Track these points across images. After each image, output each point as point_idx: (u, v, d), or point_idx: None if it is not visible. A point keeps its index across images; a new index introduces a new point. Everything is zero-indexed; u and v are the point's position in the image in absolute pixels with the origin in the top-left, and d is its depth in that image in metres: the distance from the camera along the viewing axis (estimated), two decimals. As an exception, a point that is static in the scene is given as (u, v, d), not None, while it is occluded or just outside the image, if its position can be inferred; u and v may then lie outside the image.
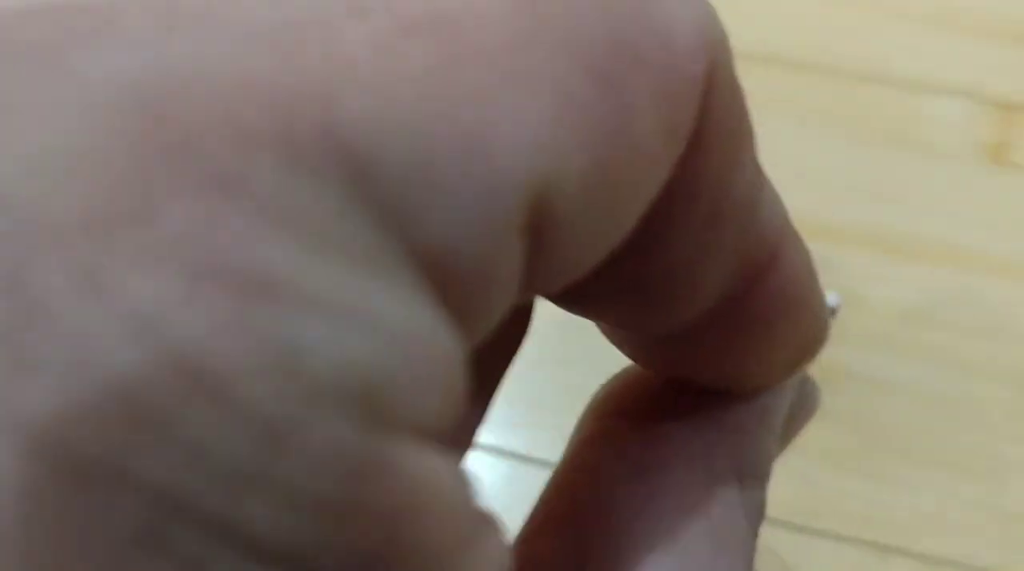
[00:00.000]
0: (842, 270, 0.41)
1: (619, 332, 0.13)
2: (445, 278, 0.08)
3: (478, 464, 0.39)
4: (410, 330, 0.07)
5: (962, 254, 0.41)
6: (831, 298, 0.15)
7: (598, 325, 0.14)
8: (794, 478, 0.37)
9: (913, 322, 0.40)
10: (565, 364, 0.39)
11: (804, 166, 0.44)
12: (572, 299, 0.11)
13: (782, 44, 0.47)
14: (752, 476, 0.13)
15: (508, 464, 0.38)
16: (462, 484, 0.08)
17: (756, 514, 0.13)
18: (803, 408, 0.16)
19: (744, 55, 0.48)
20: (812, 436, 0.38)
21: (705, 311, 0.11)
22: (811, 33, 0.47)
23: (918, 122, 0.44)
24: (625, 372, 0.15)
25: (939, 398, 0.38)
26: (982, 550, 0.36)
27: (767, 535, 0.37)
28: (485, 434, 0.30)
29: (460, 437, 0.13)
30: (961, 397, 0.38)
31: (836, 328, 0.41)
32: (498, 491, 0.38)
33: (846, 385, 0.39)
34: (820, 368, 0.41)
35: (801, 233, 0.45)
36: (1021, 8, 0.47)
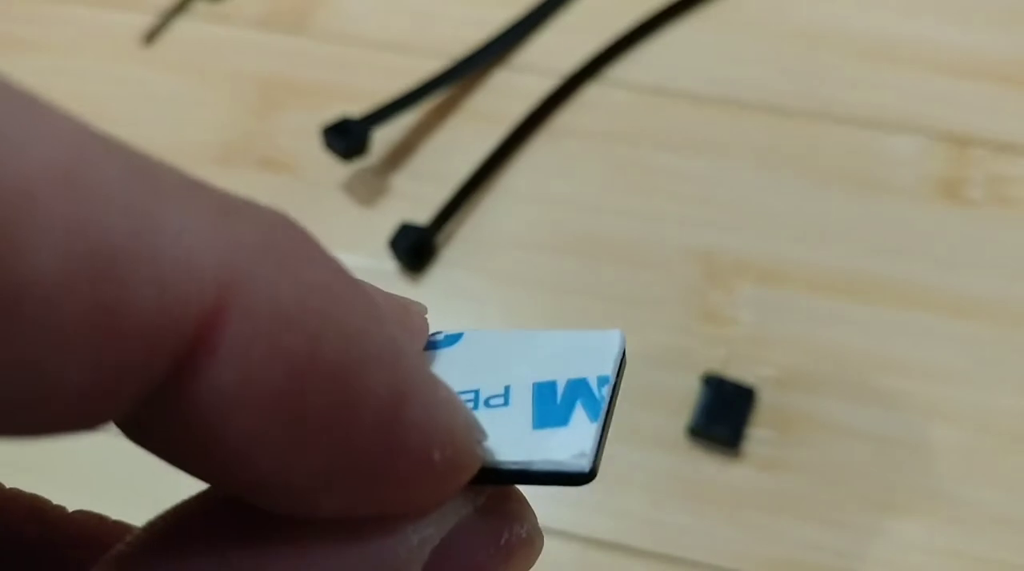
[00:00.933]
0: (796, 312, 0.41)
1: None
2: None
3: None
4: None
5: (917, 293, 0.41)
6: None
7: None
8: (750, 527, 0.36)
9: (867, 364, 0.39)
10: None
11: (756, 205, 0.43)
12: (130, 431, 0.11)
13: (733, 85, 0.46)
14: None
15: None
16: None
17: None
18: (506, 555, 0.14)
19: (696, 96, 0.49)
20: (770, 485, 0.37)
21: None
22: (762, 73, 0.47)
23: (870, 158, 0.44)
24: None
25: (897, 442, 0.38)
26: (946, 599, 0.35)
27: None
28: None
29: None
30: (919, 441, 0.38)
31: (793, 373, 0.40)
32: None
33: (801, 431, 0.38)
34: (779, 415, 0.40)
35: (754, 273, 0.44)
36: (971, 43, 0.47)
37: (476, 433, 0.13)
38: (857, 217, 0.43)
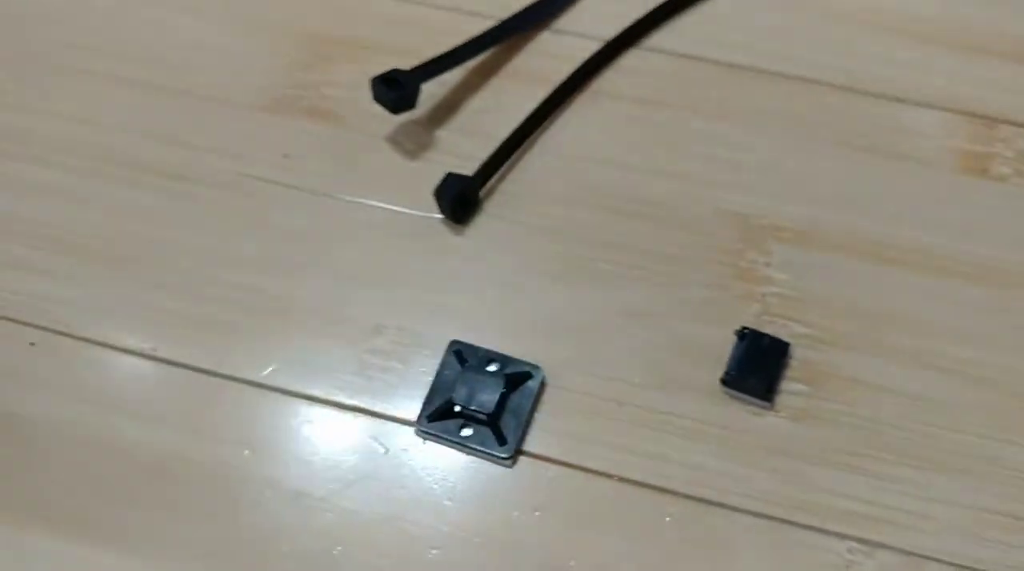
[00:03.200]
0: (828, 274, 0.42)
1: None
2: None
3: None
4: None
5: (946, 261, 0.42)
6: None
7: None
8: (781, 473, 0.38)
9: (897, 325, 0.41)
10: (560, 357, 0.39)
11: (790, 171, 0.45)
12: None
13: (769, 56, 0.48)
14: None
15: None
16: None
17: None
18: None
19: (733, 65, 0.50)
20: (802, 435, 0.39)
21: None
22: (794, 45, 0.48)
23: (899, 132, 0.46)
24: None
25: (925, 400, 0.39)
26: (967, 547, 0.37)
27: (750, 525, 0.37)
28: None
29: None
30: (946, 399, 0.39)
31: (825, 331, 0.42)
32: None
33: (833, 387, 0.40)
34: (811, 370, 0.42)
35: (788, 236, 0.46)
36: (1002, 24, 0.48)
37: None
38: (888, 186, 0.44)
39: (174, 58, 0.49)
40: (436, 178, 0.44)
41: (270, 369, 0.41)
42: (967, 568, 0.36)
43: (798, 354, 0.40)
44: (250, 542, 0.37)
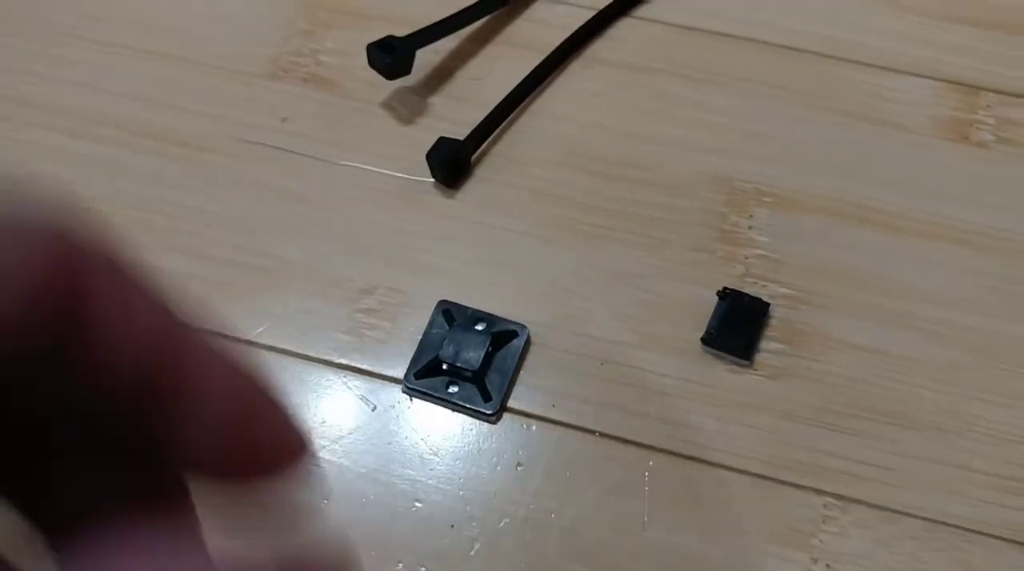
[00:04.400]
0: (810, 237, 0.43)
1: None
2: None
3: (456, 410, 0.40)
4: None
5: (926, 225, 0.43)
6: None
7: None
8: (759, 430, 0.39)
9: (876, 287, 0.42)
10: (543, 316, 0.40)
11: (775, 137, 0.45)
12: None
13: (757, 26, 0.48)
14: None
15: (485, 411, 0.39)
16: None
17: None
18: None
19: (723, 34, 0.51)
20: (780, 392, 0.40)
21: None
22: (780, 15, 0.49)
23: (883, 99, 0.46)
24: None
25: (903, 359, 0.40)
26: (941, 503, 0.37)
27: (728, 480, 0.38)
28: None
29: None
30: (924, 359, 0.40)
31: (805, 293, 0.43)
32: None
33: (811, 346, 0.40)
34: (791, 330, 0.43)
35: (771, 199, 0.46)
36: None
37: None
38: (870, 152, 0.45)
39: (176, 25, 0.50)
40: (429, 142, 0.45)
41: (261, 328, 0.42)
42: (940, 523, 0.37)
43: (778, 314, 0.41)
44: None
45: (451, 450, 0.39)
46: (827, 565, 0.37)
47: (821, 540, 0.37)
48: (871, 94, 0.46)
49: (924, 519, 0.37)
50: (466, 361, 0.40)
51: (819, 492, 0.38)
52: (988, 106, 0.45)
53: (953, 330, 0.41)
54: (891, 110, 0.46)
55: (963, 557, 0.37)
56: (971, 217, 0.43)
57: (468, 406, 0.40)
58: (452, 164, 0.45)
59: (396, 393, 0.41)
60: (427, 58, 0.48)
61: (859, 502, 0.38)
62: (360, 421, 0.40)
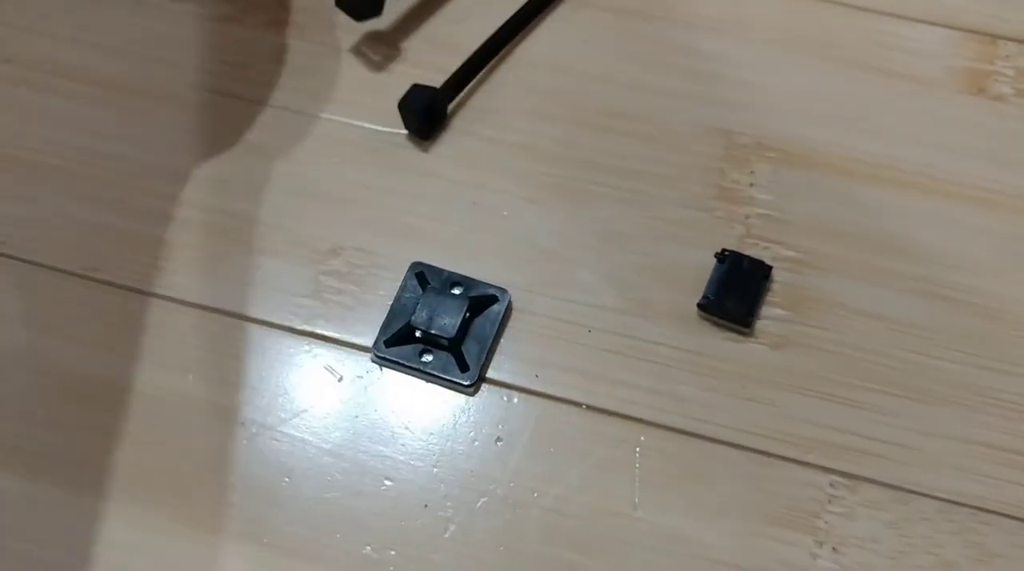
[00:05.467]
0: (816, 195, 0.40)
1: None
2: None
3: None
4: None
5: (939, 183, 0.40)
6: None
7: None
8: (760, 403, 0.36)
9: (886, 249, 0.38)
10: (526, 278, 0.36)
11: (778, 87, 0.42)
12: None
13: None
14: None
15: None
16: None
17: None
18: None
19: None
20: (783, 363, 0.36)
21: None
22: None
23: (895, 49, 0.43)
24: None
25: (911, 326, 0.37)
26: (955, 481, 0.34)
27: (727, 457, 0.35)
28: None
29: None
30: (934, 326, 0.37)
31: (810, 254, 0.39)
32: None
33: (816, 312, 0.37)
34: (794, 295, 0.40)
35: (774, 154, 0.42)
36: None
37: None
38: (880, 105, 0.42)
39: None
40: (402, 91, 0.41)
41: (220, 291, 0.38)
42: (955, 503, 0.34)
43: (780, 278, 0.38)
44: (195, 472, 0.35)
45: (424, 424, 0.36)
46: (833, 548, 0.34)
47: (827, 522, 0.34)
48: (883, 44, 0.43)
49: (937, 499, 0.34)
50: (441, 328, 0.37)
51: (825, 470, 0.35)
52: (1007, 56, 0.42)
53: (969, 295, 0.38)
54: (904, 61, 0.42)
55: (979, 539, 0.34)
56: (989, 175, 0.40)
57: (443, 376, 0.36)
58: (427, 114, 0.41)
59: (364, 362, 0.37)
60: None
61: (868, 480, 0.35)
62: (325, 393, 0.37)
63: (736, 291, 0.37)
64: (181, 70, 0.43)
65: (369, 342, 0.37)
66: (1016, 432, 0.35)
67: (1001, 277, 0.38)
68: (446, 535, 0.34)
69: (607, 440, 0.35)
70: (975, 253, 0.38)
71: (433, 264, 0.38)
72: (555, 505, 0.35)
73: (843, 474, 0.35)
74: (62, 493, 0.35)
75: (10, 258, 0.39)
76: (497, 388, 0.37)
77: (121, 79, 0.43)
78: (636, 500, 0.34)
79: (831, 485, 0.35)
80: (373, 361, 0.37)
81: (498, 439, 0.36)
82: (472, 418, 0.36)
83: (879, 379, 0.36)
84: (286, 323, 0.38)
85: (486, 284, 0.38)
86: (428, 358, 0.37)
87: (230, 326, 0.38)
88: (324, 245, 0.39)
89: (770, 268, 0.37)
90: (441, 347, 0.37)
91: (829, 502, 0.34)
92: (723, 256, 0.37)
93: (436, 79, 0.42)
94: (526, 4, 0.43)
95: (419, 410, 0.36)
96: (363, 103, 0.42)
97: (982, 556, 0.33)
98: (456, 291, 0.38)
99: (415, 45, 0.44)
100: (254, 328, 0.38)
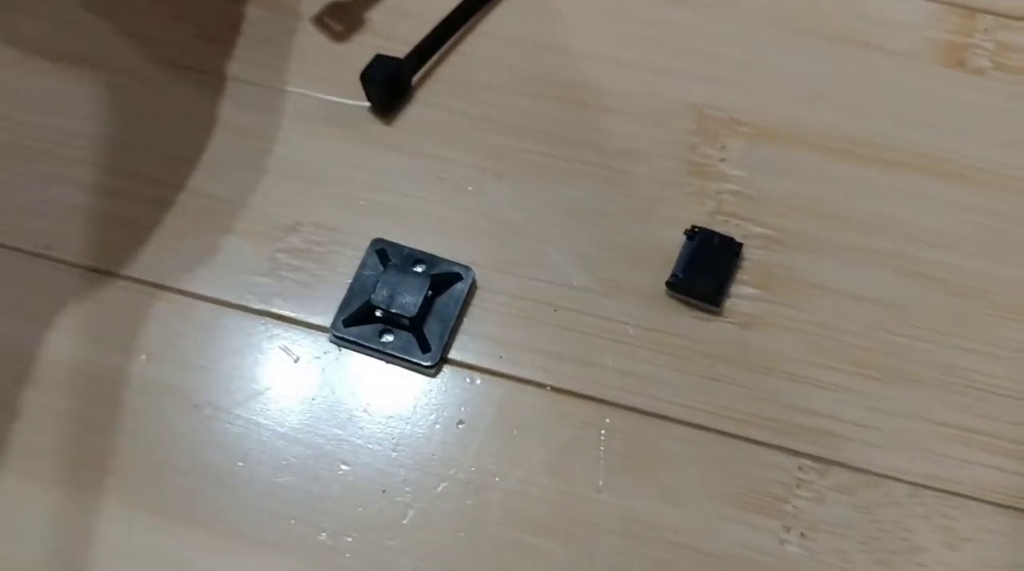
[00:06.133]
0: (788, 171, 0.38)
1: None
2: None
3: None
4: None
5: (915, 157, 0.39)
6: None
7: None
8: (729, 384, 0.35)
9: (859, 226, 0.37)
10: (489, 256, 0.35)
11: (752, 61, 0.41)
12: None
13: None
14: None
15: (422, 363, 0.34)
16: None
17: None
18: None
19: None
20: (752, 343, 0.35)
21: None
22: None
23: (872, 21, 0.42)
24: None
25: (885, 305, 0.36)
26: (924, 464, 0.34)
27: (694, 439, 0.34)
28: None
29: None
30: (907, 304, 0.36)
31: (781, 232, 0.38)
32: (410, 391, 0.35)
33: (786, 291, 0.36)
34: (765, 273, 0.38)
35: (747, 130, 0.41)
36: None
37: None
38: (856, 79, 0.40)
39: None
40: (364, 62, 0.40)
41: (174, 269, 0.37)
42: (925, 487, 0.33)
43: (751, 255, 0.37)
44: (146, 455, 0.34)
45: (384, 407, 0.35)
46: (801, 534, 0.33)
47: (795, 506, 0.33)
48: (860, 15, 0.42)
49: (908, 483, 0.33)
50: (402, 306, 0.35)
51: (793, 453, 0.34)
52: (986, 30, 0.41)
53: (943, 272, 0.37)
54: (882, 34, 0.41)
55: (949, 524, 0.33)
56: (965, 150, 0.39)
57: (404, 357, 0.35)
58: (390, 86, 0.40)
59: (322, 343, 0.36)
60: (364, -32, 0.43)
61: (838, 464, 0.34)
62: (280, 374, 0.36)
63: (706, 269, 0.36)
64: (139, 43, 0.42)
65: (327, 322, 0.36)
66: (988, 414, 0.34)
67: (978, 254, 0.37)
68: (405, 521, 0.33)
69: (572, 422, 0.34)
70: (951, 230, 0.37)
71: (395, 241, 0.37)
72: (518, 488, 0.34)
73: (812, 457, 0.34)
74: (11, 478, 0.34)
75: (-44, 234, 0.38)
76: (460, 369, 0.36)
77: (75, 53, 0.42)
78: (601, 483, 0.34)
79: (800, 468, 0.34)
80: (331, 341, 0.36)
81: (460, 422, 0.35)
82: (433, 400, 0.35)
83: (851, 360, 0.35)
84: (242, 302, 0.37)
85: (449, 261, 0.37)
86: (388, 338, 0.36)
87: (185, 305, 0.37)
88: (283, 221, 0.38)
89: (740, 245, 0.36)
90: (402, 327, 0.36)
91: (798, 486, 0.34)
92: (693, 233, 0.36)
93: (400, 50, 0.40)
94: (493, -27, 0.42)
95: (378, 392, 0.35)
96: (324, 75, 0.41)
97: (952, 540, 0.33)
98: (418, 269, 0.37)
99: (378, 15, 0.42)
100: (209, 308, 0.37)
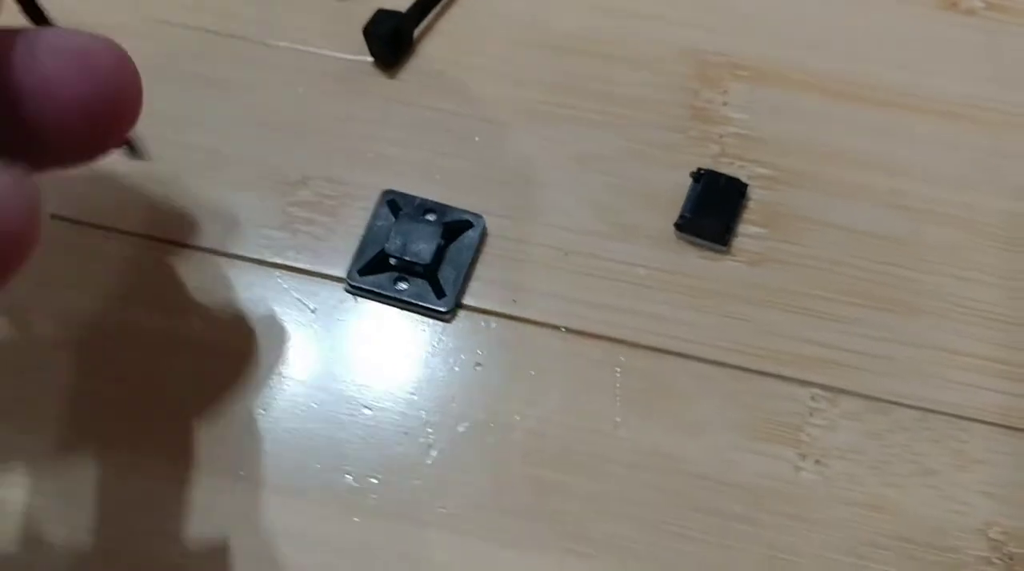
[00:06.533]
0: (789, 113, 0.39)
1: None
2: None
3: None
4: None
5: (912, 98, 0.40)
6: None
7: None
8: (739, 320, 0.36)
9: (859, 165, 0.38)
10: (501, 201, 0.36)
11: (751, 6, 0.41)
12: None
13: None
14: None
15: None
16: None
17: None
18: None
19: None
20: (760, 279, 0.36)
21: None
22: None
23: (867, -34, 0.42)
24: None
25: (886, 239, 0.37)
26: (932, 390, 0.35)
27: (707, 374, 0.35)
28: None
29: None
30: (907, 239, 0.37)
31: (784, 172, 0.39)
32: (428, 335, 0.35)
33: (792, 228, 0.37)
34: (770, 212, 0.39)
35: (747, 74, 0.41)
36: None
37: None
38: (853, 21, 0.41)
39: None
40: (366, 16, 0.40)
41: (185, 226, 0.37)
42: (933, 412, 0.34)
43: (756, 195, 0.38)
44: (164, 402, 0.34)
45: (402, 352, 0.36)
46: (816, 460, 0.34)
47: (809, 434, 0.34)
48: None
49: (916, 408, 0.34)
50: (416, 254, 0.36)
51: (805, 383, 0.35)
52: (976, -31, 0.42)
53: (942, 207, 0.38)
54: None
55: (958, 446, 0.34)
56: (959, 90, 0.40)
57: (420, 304, 0.36)
58: (393, 40, 0.40)
59: (338, 293, 0.36)
60: (361, -75, 0.43)
61: (848, 392, 0.35)
62: (299, 325, 0.36)
63: (713, 209, 0.37)
64: (133, 4, 0.42)
65: (342, 272, 0.36)
66: (990, 340, 0.36)
67: (976, 189, 0.38)
68: (428, 461, 0.34)
69: (587, 362, 0.35)
70: (950, 167, 0.38)
71: (405, 191, 0.38)
72: (537, 427, 0.34)
73: (823, 387, 0.35)
74: (19, 435, 0.34)
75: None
76: (475, 314, 0.36)
77: (77, 14, 0.41)
78: (617, 419, 0.34)
79: (812, 398, 0.35)
80: (347, 291, 0.36)
81: (477, 364, 0.35)
82: (450, 344, 0.36)
83: (855, 292, 0.36)
84: (256, 256, 0.37)
85: (460, 210, 0.37)
86: (403, 286, 0.36)
87: (198, 260, 0.37)
88: (292, 176, 0.38)
89: (746, 186, 0.37)
90: (416, 274, 0.36)
91: (811, 415, 0.34)
92: (699, 175, 0.37)
93: (401, 2, 0.40)
94: (491, -75, 0.42)
95: (396, 338, 0.36)
96: (326, 30, 0.41)
97: (963, 463, 0.34)
98: (430, 217, 0.37)
99: (378, -29, 0.42)
100: (224, 262, 0.37)
